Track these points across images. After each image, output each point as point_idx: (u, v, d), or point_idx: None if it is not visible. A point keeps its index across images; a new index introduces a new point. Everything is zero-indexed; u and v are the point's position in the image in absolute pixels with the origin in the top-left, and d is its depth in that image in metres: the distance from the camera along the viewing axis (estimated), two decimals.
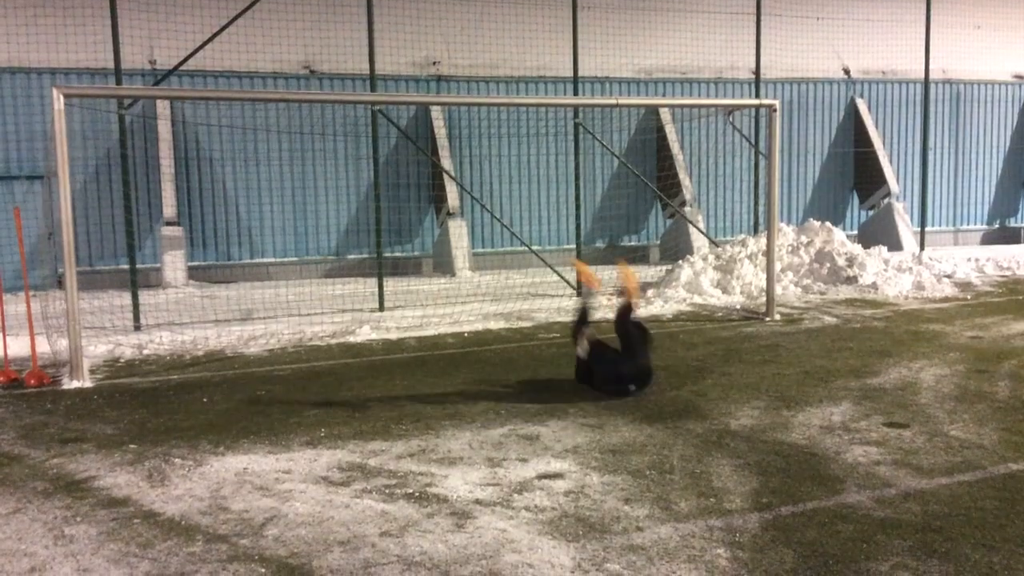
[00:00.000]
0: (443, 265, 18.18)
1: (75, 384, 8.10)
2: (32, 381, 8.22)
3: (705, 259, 13.95)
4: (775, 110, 11.25)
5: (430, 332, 10.88)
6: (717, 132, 20.02)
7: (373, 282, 13.23)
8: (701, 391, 7.35)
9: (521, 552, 4.14)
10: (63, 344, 8.58)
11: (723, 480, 5.10)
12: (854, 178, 21.52)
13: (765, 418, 6.43)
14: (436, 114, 18.77)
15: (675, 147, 19.60)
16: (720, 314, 11.69)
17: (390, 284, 13.23)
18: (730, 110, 14.87)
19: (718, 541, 4.25)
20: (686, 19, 19.91)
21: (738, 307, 12.10)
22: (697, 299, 12.75)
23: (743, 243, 14.07)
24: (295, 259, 18.61)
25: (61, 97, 8.16)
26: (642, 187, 18.92)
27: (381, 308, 12.75)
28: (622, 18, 19.30)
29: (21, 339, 9.28)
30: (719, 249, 14.46)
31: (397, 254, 18.62)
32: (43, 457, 5.81)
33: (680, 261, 14.16)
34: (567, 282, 14.26)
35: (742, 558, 4.05)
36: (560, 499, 4.83)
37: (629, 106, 18.12)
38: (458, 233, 17.89)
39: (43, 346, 9.00)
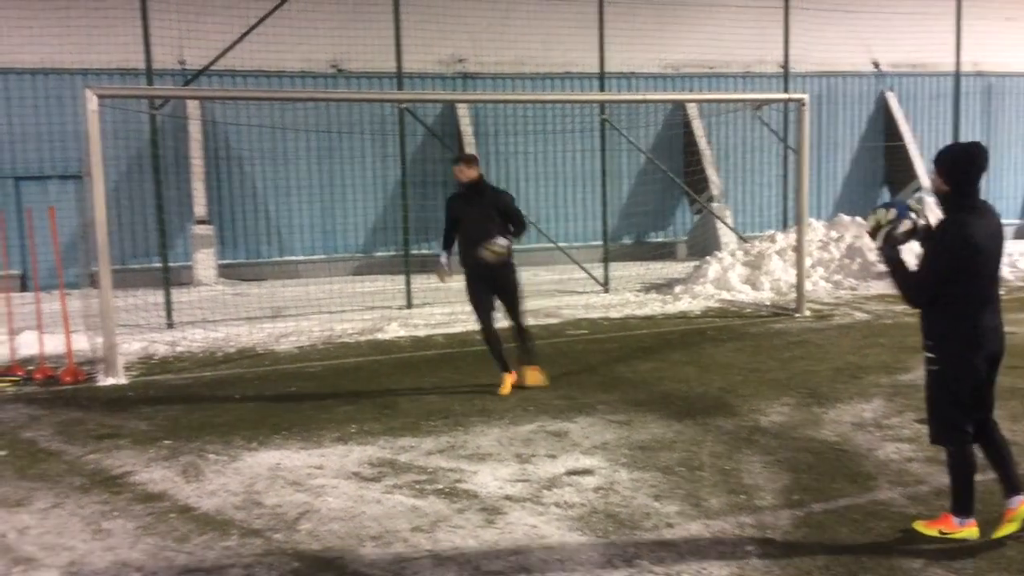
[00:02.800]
0: None
1: (110, 381, 8.22)
2: (68, 378, 8.35)
3: (733, 255, 13.89)
4: (804, 104, 11.17)
5: (458, 329, 10.92)
6: (745, 127, 19.89)
7: (401, 279, 13.30)
8: (730, 387, 7.33)
9: (551, 548, 4.16)
10: (99, 341, 8.70)
11: (754, 477, 5.09)
12: (885, 173, 21.30)
13: (796, 415, 6.41)
14: (462, 112, 18.81)
15: (702, 142, 19.50)
16: (749, 310, 11.63)
17: (417, 281, 13.28)
18: (758, 105, 14.75)
19: (749, 538, 4.24)
20: (713, 13, 19.77)
21: (767, 303, 12.04)
22: (725, 295, 12.70)
23: (772, 239, 13.99)
24: (323, 257, 18.73)
25: (94, 98, 8.28)
26: (669, 183, 18.83)
27: (409, 305, 12.81)
28: (648, 13, 19.20)
29: (56, 336, 9.43)
30: (747, 245, 14.39)
31: (424, 252, 18.68)
32: (80, 453, 5.91)
33: (708, 257, 14.11)
34: (594, 279, 14.24)
35: (774, 555, 4.05)
36: (589, 495, 4.85)
37: (656, 102, 18.06)
38: None
39: (78, 343, 9.14)
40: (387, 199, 18.99)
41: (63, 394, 7.85)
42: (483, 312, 7.48)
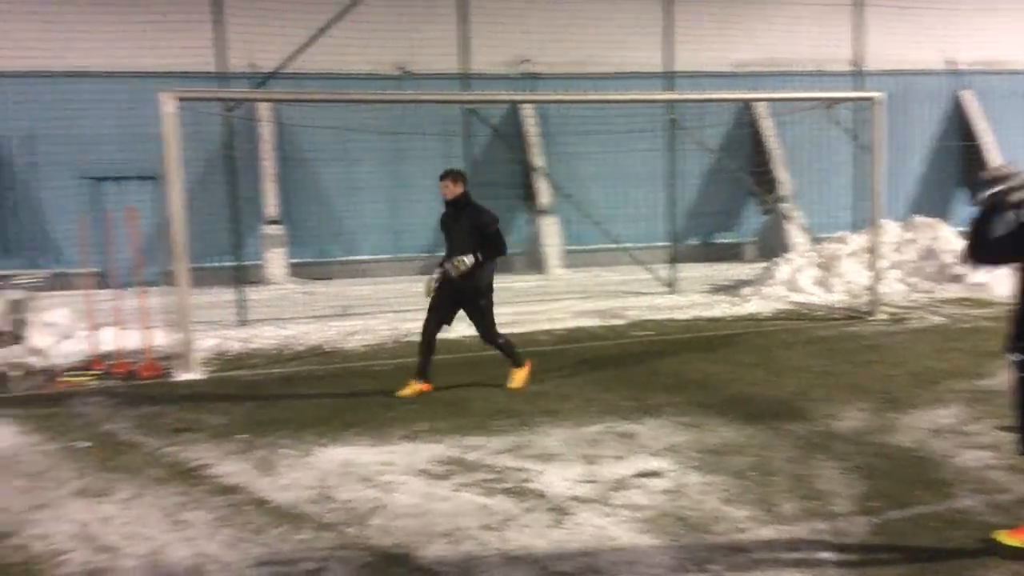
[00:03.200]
0: (534, 263, 18.24)
1: (186, 376, 8.44)
2: (146, 373, 8.60)
3: (804, 256, 13.66)
4: (878, 103, 10.93)
5: (523, 329, 10.93)
6: (815, 126, 19.52)
7: None
8: (802, 391, 7.20)
9: (621, 549, 4.15)
10: (176, 337, 8.94)
11: (828, 483, 5.00)
12: (962, 173, 20.72)
13: (871, 420, 6.27)
14: (527, 112, 18.84)
15: (771, 142, 19.22)
16: (820, 313, 11.43)
17: None
18: (829, 104, 14.48)
19: (824, 544, 4.17)
20: (782, 10, 19.47)
21: (839, 306, 11.80)
22: (796, 297, 12.49)
23: (844, 240, 13.71)
24: (390, 256, 18.93)
25: (171, 100, 8.52)
26: (737, 183, 18.59)
27: None
28: (716, 11, 18.99)
29: (135, 333, 9.70)
30: (819, 246, 14.14)
31: None
32: (159, 445, 6.08)
33: (777, 258, 13.90)
34: (660, 280, 14.14)
35: (851, 562, 3.97)
36: (659, 498, 4.82)
37: (724, 100, 17.87)
38: (549, 231, 17.93)
39: (156, 339, 9.40)
40: None
41: (142, 388, 8.09)
42: (429, 316, 7.51)
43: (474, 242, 7.23)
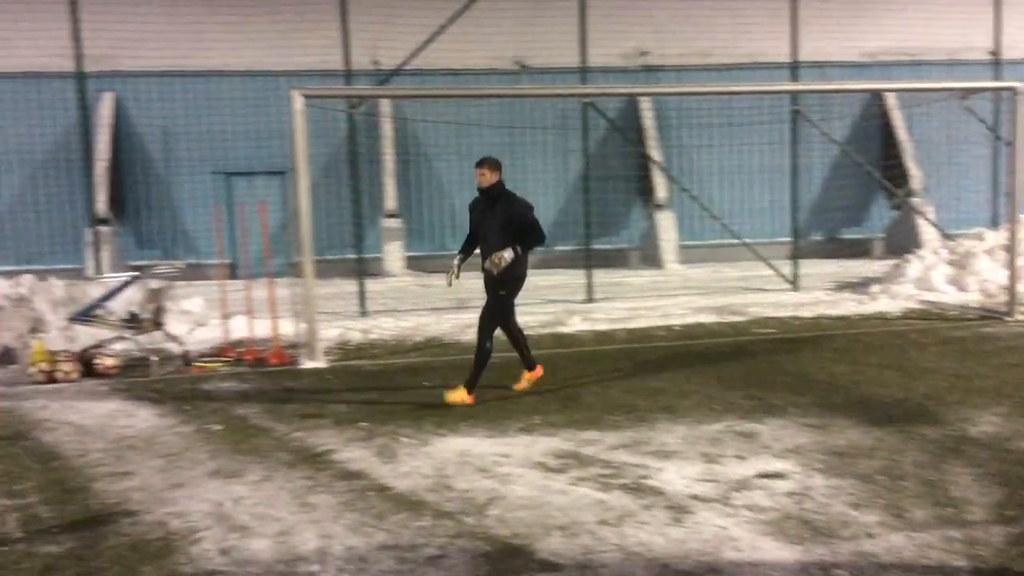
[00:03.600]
0: (650, 257, 18.06)
1: (311, 364, 8.74)
2: (274, 360, 8.94)
3: (936, 253, 13.06)
4: (1019, 93, 10.34)
5: (639, 324, 10.86)
6: (950, 118, 18.62)
7: (581, 274, 13.36)
8: (934, 394, 6.89)
9: (743, 551, 4.06)
10: (302, 327, 9.26)
11: (962, 489, 4.77)
12: None
13: (1009, 425, 5.95)
14: (645, 105, 18.65)
15: (902, 134, 18.45)
16: (954, 313, 10.91)
17: (597, 276, 13.30)
18: (965, 95, 13.79)
19: (958, 553, 3.98)
20: None
21: (975, 305, 11.24)
22: (927, 296, 11.96)
23: (980, 237, 13.04)
24: None
25: (300, 98, 8.79)
26: (865, 177, 17.91)
27: (590, 300, 12.85)
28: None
29: (264, 321, 10.09)
30: (952, 243, 13.50)
31: (604, 246, 18.68)
32: (286, 430, 6.32)
33: (907, 255, 13.33)
34: (783, 276, 13.77)
35: (985, 572, 3.78)
36: (782, 500, 4.69)
37: (853, 91, 17.26)
38: (666, 225, 17.71)
39: (283, 328, 9.75)
40: (568, 193, 19.12)
41: (270, 375, 8.42)
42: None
43: (509, 233, 6.94)
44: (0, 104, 17.91)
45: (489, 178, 7.06)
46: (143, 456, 5.78)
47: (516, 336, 7.38)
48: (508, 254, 6.88)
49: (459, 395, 6.98)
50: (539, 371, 7.49)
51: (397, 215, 17.92)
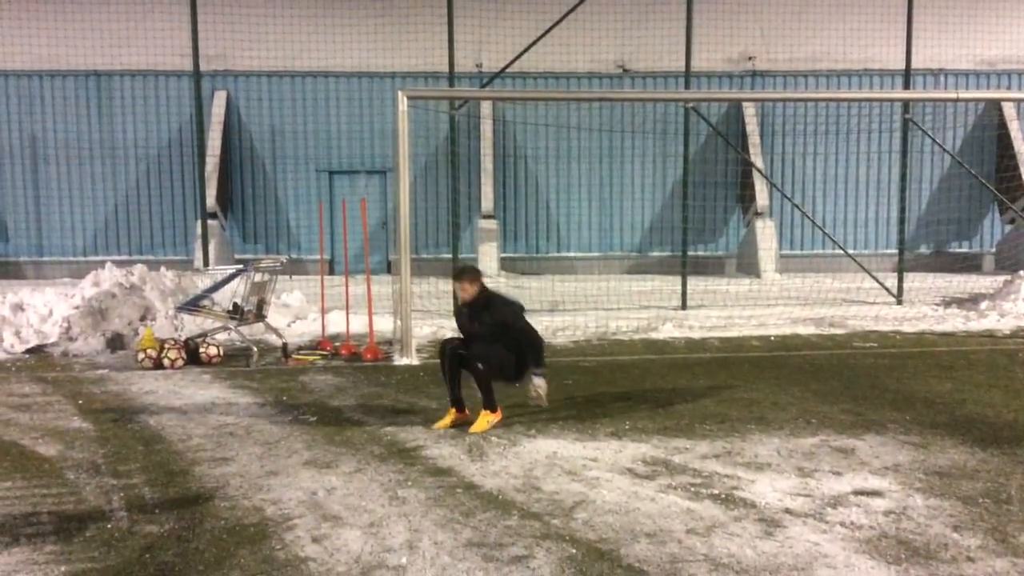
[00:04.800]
0: (748, 266, 17.73)
1: (404, 361, 8.88)
2: (368, 356, 9.12)
3: None
4: None
5: (734, 333, 10.67)
6: None
7: (674, 280, 13.21)
8: None
9: (836, 568, 3.95)
10: (397, 324, 9.42)
11: None
12: None
13: None
14: (749, 111, 18.33)
15: (1020, 145, 17.63)
16: None
17: (692, 283, 13.12)
18: None
19: None
20: None
21: None
22: None
23: None
24: (598, 254, 19.03)
25: (405, 99, 8.94)
26: (978, 189, 17.20)
27: (684, 306, 12.70)
28: (961, 4, 17.64)
29: (360, 317, 10.31)
30: None
31: (700, 253, 18.43)
32: (379, 424, 6.43)
33: (1021, 272, 12.73)
34: (887, 289, 13.33)
35: None
36: (879, 518, 4.54)
37: (970, 100, 16.58)
38: (766, 234, 17.36)
39: (379, 324, 9.94)
40: (665, 199, 18.94)
41: (364, 369, 8.59)
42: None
43: (504, 337, 6.29)
44: (120, 100, 18.77)
45: (470, 291, 6.39)
46: (242, 443, 5.97)
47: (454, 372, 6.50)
48: (541, 384, 6.26)
49: (483, 421, 6.35)
50: (499, 414, 6.48)
51: (493, 216, 18.05)
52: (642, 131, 18.44)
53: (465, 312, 6.51)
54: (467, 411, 6.47)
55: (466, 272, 6.53)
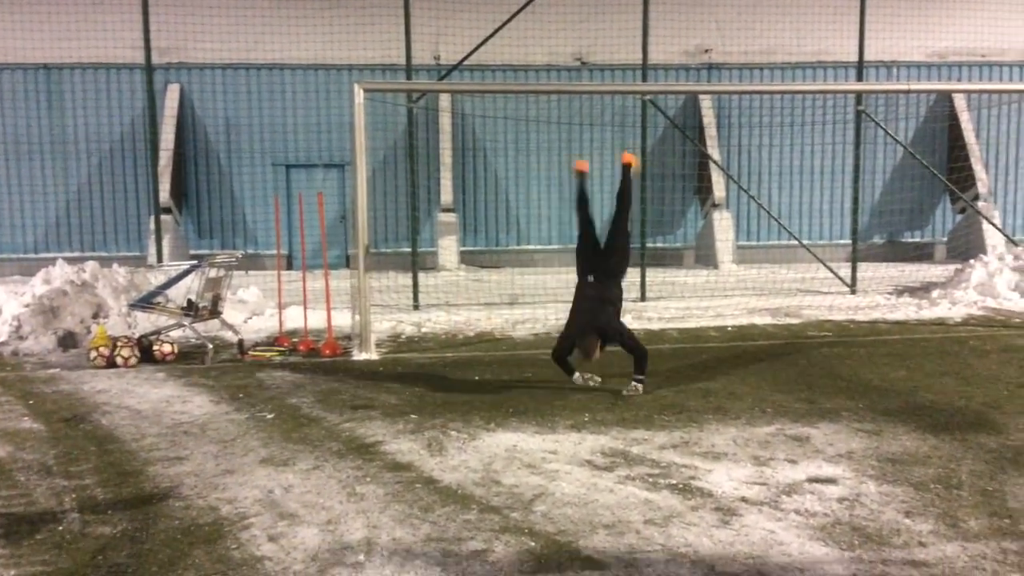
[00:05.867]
0: (705, 257, 17.89)
1: (363, 356, 8.83)
2: (327, 351, 9.05)
3: (1001, 259, 12.71)
4: None
5: (692, 324, 10.76)
6: (1021, 121, 18.12)
7: (633, 272, 13.25)
8: (994, 403, 6.71)
9: (791, 555, 4.00)
10: (355, 319, 9.36)
11: (1020, 500, 4.63)
12: None
13: None
14: (705, 103, 18.47)
15: (970, 136, 17.98)
16: (1018, 320, 10.60)
17: (651, 275, 13.20)
18: None
19: (1013, 565, 3.87)
20: None
21: None
22: (991, 303, 11.65)
23: None
24: (558, 247, 19.08)
25: (362, 92, 8.87)
26: (929, 179, 17.54)
27: (643, 298, 12.77)
28: None
29: (318, 312, 10.23)
30: (1018, 248, 13.12)
31: (659, 245, 18.55)
32: (337, 420, 6.39)
33: (971, 260, 13.01)
34: (840, 279, 13.52)
35: None
36: (833, 505, 4.61)
37: (922, 91, 16.87)
38: (723, 225, 17.53)
39: (337, 320, 9.86)
40: None
41: (322, 366, 8.53)
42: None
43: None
44: (70, 94, 18.41)
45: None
46: (197, 442, 5.90)
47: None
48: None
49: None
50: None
51: (453, 209, 18.01)
52: (600, 123, 18.50)
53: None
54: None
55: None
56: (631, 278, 13.48)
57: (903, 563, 3.92)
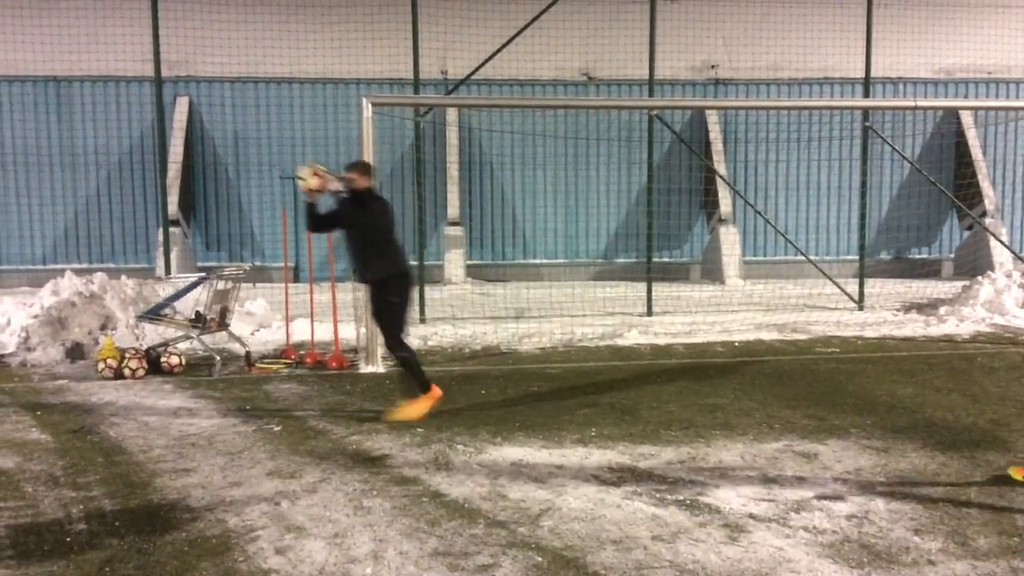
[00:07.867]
0: (712, 272, 17.88)
1: (370, 369, 8.83)
2: (334, 364, 9.05)
3: (1009, 276, 12.68)
4: None
5: (699, 339, 10.74)
6: None
7: (640, 286, 13.29)
8: (1002, 420, 6.68)
9: (799, 573, 3.98)
10: (362, 332, 9.36)
11: None
12: None
13: None
14: (712, 118, 18.50)
15: (977, 152, 17.98)
16: None
17: (657, 289, 13.20)
18: None
19: None
20: (994, 14, 18.19)
21: None
22: (999, 320, 11.62)
23: None
24: (565, 261, 19.09)
25: (370, 106, 8.91)
26: (936, 196, 17.52)
27: (649, 313, 12.77)
28: (920, 15, 17.99)
29: (325, 325, 10.24)
30: None
31: (665, 259, 18.56)
32: (344, 433, 6.39)
33: (979, 277, 12.98)
34: (848, 295, 13.50)
35: None
36: (842, 522, 4.59)
37: (929, 108, 16.87)
38: (729, 240, 17.53)
39: (344, 332, 9.87)
40: (630, 206, 19.04)
41: (329, 378, 8.53)
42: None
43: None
44: (80, 107, 18.52)
45: (360, 183, 6.85)
46: (204, 454, 5.90)
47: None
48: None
49: (418, 406, 6.79)
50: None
51: (459, 223, 18.04)
52: (607, 138, 18.54)
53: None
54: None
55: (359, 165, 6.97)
56: (637, 292, 13.51)
57: None
